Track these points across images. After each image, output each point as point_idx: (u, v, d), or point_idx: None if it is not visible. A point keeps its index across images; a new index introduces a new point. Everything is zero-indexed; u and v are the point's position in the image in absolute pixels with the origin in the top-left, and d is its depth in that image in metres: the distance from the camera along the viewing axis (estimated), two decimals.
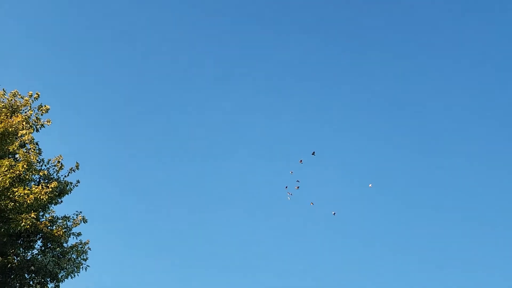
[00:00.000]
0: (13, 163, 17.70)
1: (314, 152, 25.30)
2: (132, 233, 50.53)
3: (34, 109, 20.19)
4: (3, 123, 18.09)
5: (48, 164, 19.94)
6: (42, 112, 20.35)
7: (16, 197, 17.24)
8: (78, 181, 20.38)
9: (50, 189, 18.13)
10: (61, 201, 19.94)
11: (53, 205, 19.61)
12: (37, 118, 20.18)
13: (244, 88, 65.61)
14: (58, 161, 20.04)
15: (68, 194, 20.08)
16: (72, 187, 20.17)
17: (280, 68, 68.13)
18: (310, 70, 68.17)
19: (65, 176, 20.15)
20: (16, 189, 17.24)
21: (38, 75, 58.26)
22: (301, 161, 24.97)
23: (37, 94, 20.27)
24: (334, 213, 28.05)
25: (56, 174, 19.99)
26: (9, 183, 17.23)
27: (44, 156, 19.97)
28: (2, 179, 17.02)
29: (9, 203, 17.16)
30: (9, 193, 17.28)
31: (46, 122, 20.32)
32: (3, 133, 18.04)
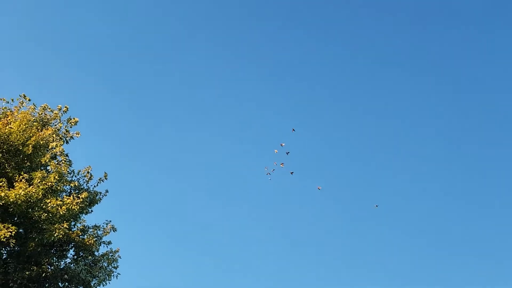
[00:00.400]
0: (45, 174, 18.23)
1: (293, 129, 26.08)
2: (158, 238, 51.20)
3: (64, 122, 20.81)
4: (34, 137, 18.68)
5: (78, 174, 20.48)
6: (71, 125, 20.95)
7: (49, 208, 17.73)
8: (107, 191, 20.86)
9: (81, 200, 18.60)
10: (91, 211, 20.44)
11: (84, 215, 20.11)
12: (66, 131, 20.78)
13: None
14: (88, 172, 20.55)
15: (97, 203, 20.58)
16: (101, 196, 20.67)
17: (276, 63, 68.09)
18: (303, 66, 67.90)
19: (94, 186, 20.64)
20: (48, 200, 17.75)
21: (66, 89, 59.83)
22: (282, 144, 25.31)
23: (66, 107, 20.88)
24: (320, 188, 29.08)
25: (86, 184, 20.51)
26: (42, 194, 17.74)
27: (74, 167, 20.54)
28: (36, 190, 17.53)
29: (42, 214, 17.66)
30: (42, 204, 17.78)
31: (75, 134, 20.91)
32: (35, 146, 18.62)
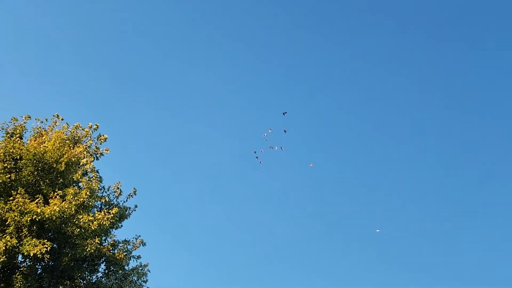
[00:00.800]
0: (77, 191, 18.81)
1: (285, 113, 26.39)
2: (187, 252, 51.58)
3: (94, 139, 21.46)
4: (67, 154, 19.32)
5: (108, 190, 21.03)
6: (101, 142, 21.59)
7: (82, 224, 18.26)
8: (136, 206, 21.37)
9: (112, 215, 19.10)
10: (121, 226, 20.93)
11: (114, 230, 20.63)
12: (96, 148, 21.40)
13: None
14: (117, 188, 21.09)
15: (127, 218, 21.07)
16: (130, 211, 21.17)
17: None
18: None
19: (124, 202, 21.18)
20: (81, 216, 18.27)
21: (96, 106, 61.49)
22: (270, 130, 25.76)
23: (96, 125, 21.54)
24: (312, 164, 30.12)
25: (116, 199, 21.04)
26: (75, 210, 18.30)
27: (104, 182, 21.10)
28: (69, 206, 18.09)
29: (75, 229, 18.19)
30: (75, 220, 18.32)
31: (105, 151, 21.51)
32: (67, 163, 19.25)
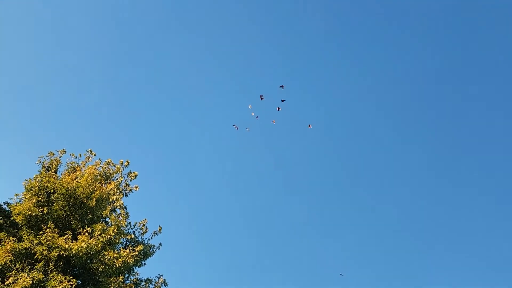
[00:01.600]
0: (104, 227, 19.13)
1: (282, 86, 26.29)
2: None
3: (124, 175, 21.89)
4: (98, 191, 19.77)
5: (134, 227, 21.27)
6: (131, 178, 21.99)
7: (107, 260, 18.48)
8: (160, 244, 21.51)
9: (136, 253, 19.30)
10: (145, 264, 21.08)
11: (137, 267, 20.78)
12: (126, 184, 21.81)
13: None
14: (143, 225, 21.33)
15: (151, 256, 21.22)
16: (154, 249, 21.32)
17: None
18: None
19: (148, 239, 21.36)
20: (107, 253, 18.52)
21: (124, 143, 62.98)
22: (261, 97, 25.83)
23: (127, 162, 22.01)
24: (310, 126, 30.01)
25: (141, 237, 21.25)
26: (101, 246, 18.58)
27: (130, 218, 21.39)
28: (95, 242, 18.38)
29: (100, 266, 18.43)
30: (100, 256, 18.57)
31: (134, 188, 21.90)
32: (98, 200, 19.67)
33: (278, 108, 26.07)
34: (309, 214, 60.37)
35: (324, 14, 66.35)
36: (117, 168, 21.84)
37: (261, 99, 26.03)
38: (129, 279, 20.40)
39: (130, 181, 22.01)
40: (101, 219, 20.20)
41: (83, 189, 19.35)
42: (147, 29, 66.38)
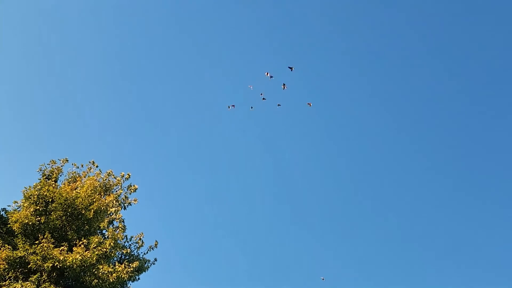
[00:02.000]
0: (101, 240, 18.94)
1: (291, 68, 26.53)
2: None
3: (124, 188, 21.76)
4: (97, 202, 19.63)
5: (130, 240, 21.04)
6: (131, 192, 21.86)
7: (100, 274, 18.27)
8: (155, 259, 21.30)
9: (132, 269, 19.08)
10: (139, 278, 20.84)
11: (130, 282, 20.55)
12: (125, 197, 21.66)
13: None
14: (140, 238, 21.12)
15: (145, 271, 20.99)
16: (149, 264, 21.10)
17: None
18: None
19: (144, 254, 21.15)
20: (101, 266, 18.30)
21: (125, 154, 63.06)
22: (267, 74, 26.20)
23: (128, 174, 21.90)
24: (310, 104, 30.51)
25: (137, 251, 21.03)
26: (96, 259, 18.39)
27: (127, 231, 21.18)
28: (91, 255, 18.18)
29: (93, 279, 18.19)
30: (94, 270, 18.36)
31: (133, 201, 21.75)
32: (96, 211, 19.52)
33: (283, 86, 26.30)
34: (309, 215, 60.20)
35: (324, 14, 66.80)
36: (118, 180, 21.72)
37: (269, 77, 26.39)
38: None
39: (130, 194, 21.88)
40: (98, 231, 20.03)
41: (82, 199, 19.22)
42: (155, 40, 66.80)
